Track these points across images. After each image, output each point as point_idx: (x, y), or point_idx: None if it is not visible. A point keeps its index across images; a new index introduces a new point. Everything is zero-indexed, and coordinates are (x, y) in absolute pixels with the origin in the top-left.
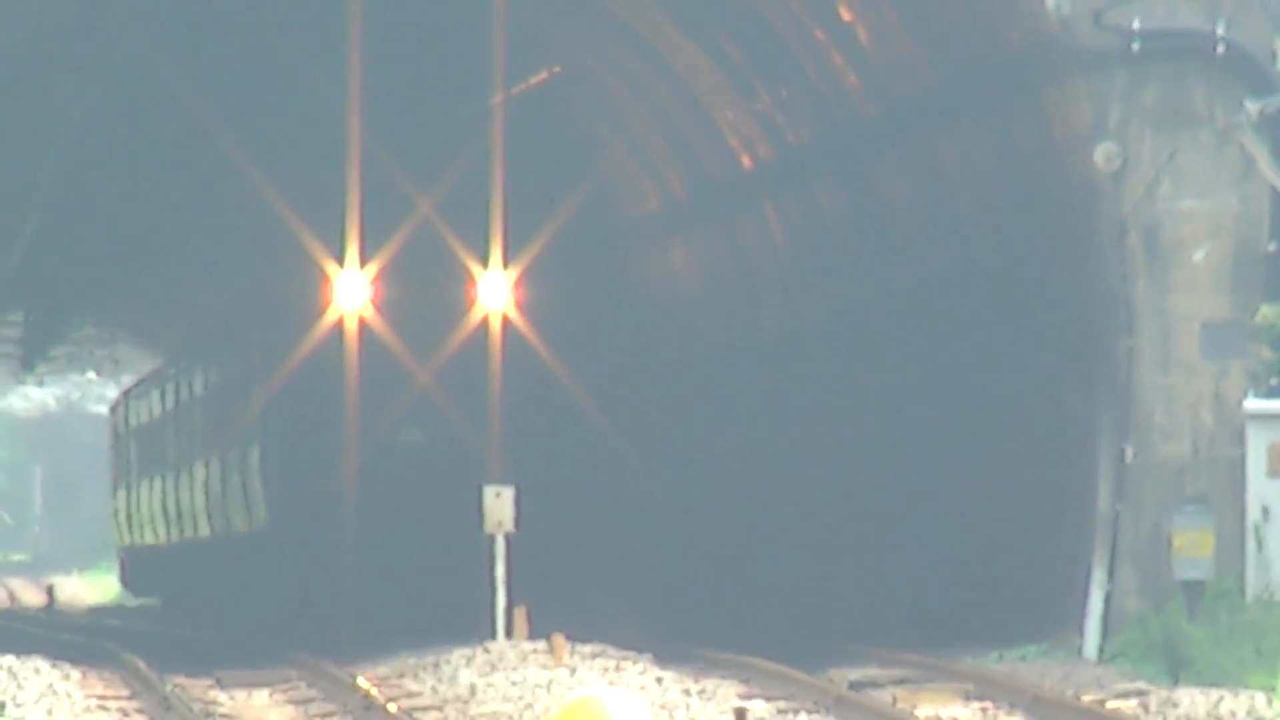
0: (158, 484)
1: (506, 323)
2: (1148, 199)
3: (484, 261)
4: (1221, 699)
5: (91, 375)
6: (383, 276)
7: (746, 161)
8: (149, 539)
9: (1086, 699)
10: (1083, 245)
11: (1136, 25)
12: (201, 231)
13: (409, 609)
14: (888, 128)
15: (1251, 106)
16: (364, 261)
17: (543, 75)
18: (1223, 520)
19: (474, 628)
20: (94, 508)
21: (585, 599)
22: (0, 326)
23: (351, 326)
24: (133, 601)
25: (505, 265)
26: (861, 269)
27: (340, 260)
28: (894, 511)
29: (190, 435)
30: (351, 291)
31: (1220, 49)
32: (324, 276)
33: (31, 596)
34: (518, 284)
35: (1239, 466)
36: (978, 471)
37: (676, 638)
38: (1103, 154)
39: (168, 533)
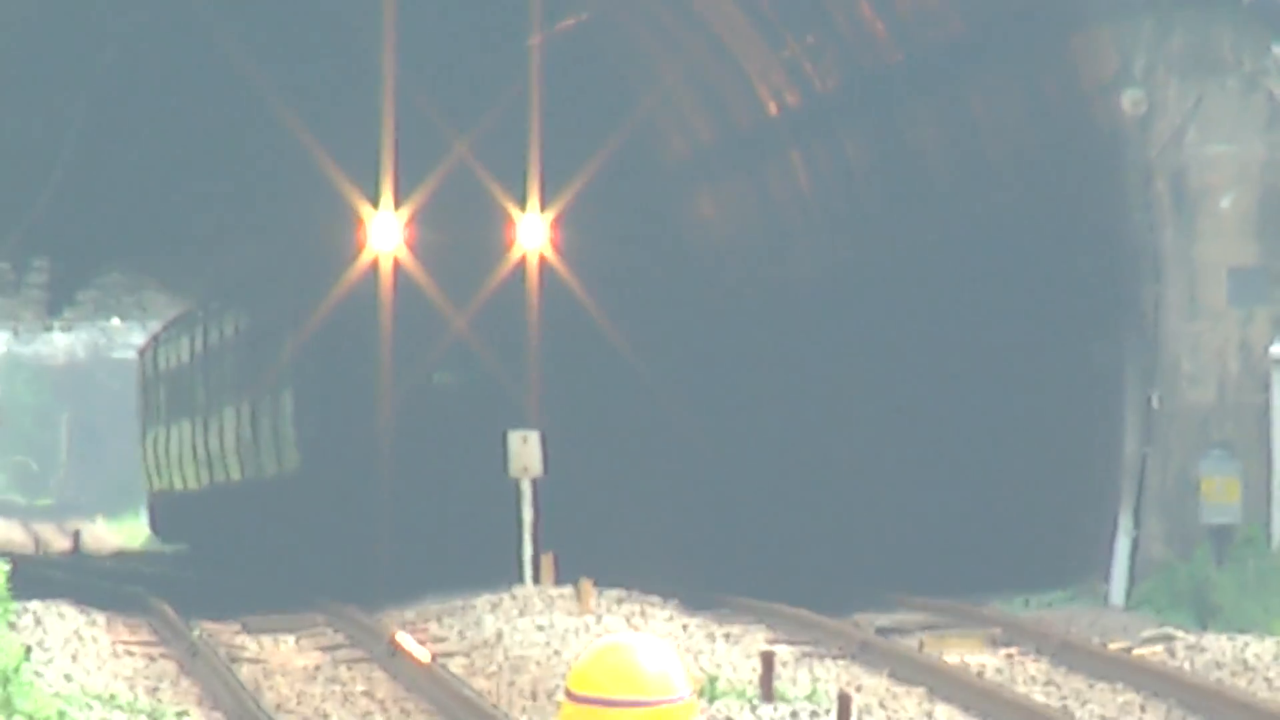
0: (188, 428)
1: (544, 263)
2: (1174, 145)
3: (521, 203)
4: (1247, 644)
5: (117, 321)
6: (417, 218)
7: (773, 108)
8: (178, 484)
9: (1113, 645)
10: (1109, 192)
11: None
12: (232, 173)
13: (444, 554)
14: (915, 75)
15: (1279, 51)
16: (398, 203)
17: (570, 21)
18: (1249, 466)
19: (508, 573)
20: (120, 454)
21: (613, 544)
22: (27, 272)
23: (386, 268)
24: (158, 547)
25: (543, 207)
26: (887, 217)
27: (374, 202)
28: (921, 458)
29: (222, 379)
30: (385, 233)
31: None
32: (358, 218)
33: (58, 541)
34: (555, 225)
35: (1265, 412)
36: (1005, 418)
37: (702, 584)
38: (1129, 100)
39: (198, 477)
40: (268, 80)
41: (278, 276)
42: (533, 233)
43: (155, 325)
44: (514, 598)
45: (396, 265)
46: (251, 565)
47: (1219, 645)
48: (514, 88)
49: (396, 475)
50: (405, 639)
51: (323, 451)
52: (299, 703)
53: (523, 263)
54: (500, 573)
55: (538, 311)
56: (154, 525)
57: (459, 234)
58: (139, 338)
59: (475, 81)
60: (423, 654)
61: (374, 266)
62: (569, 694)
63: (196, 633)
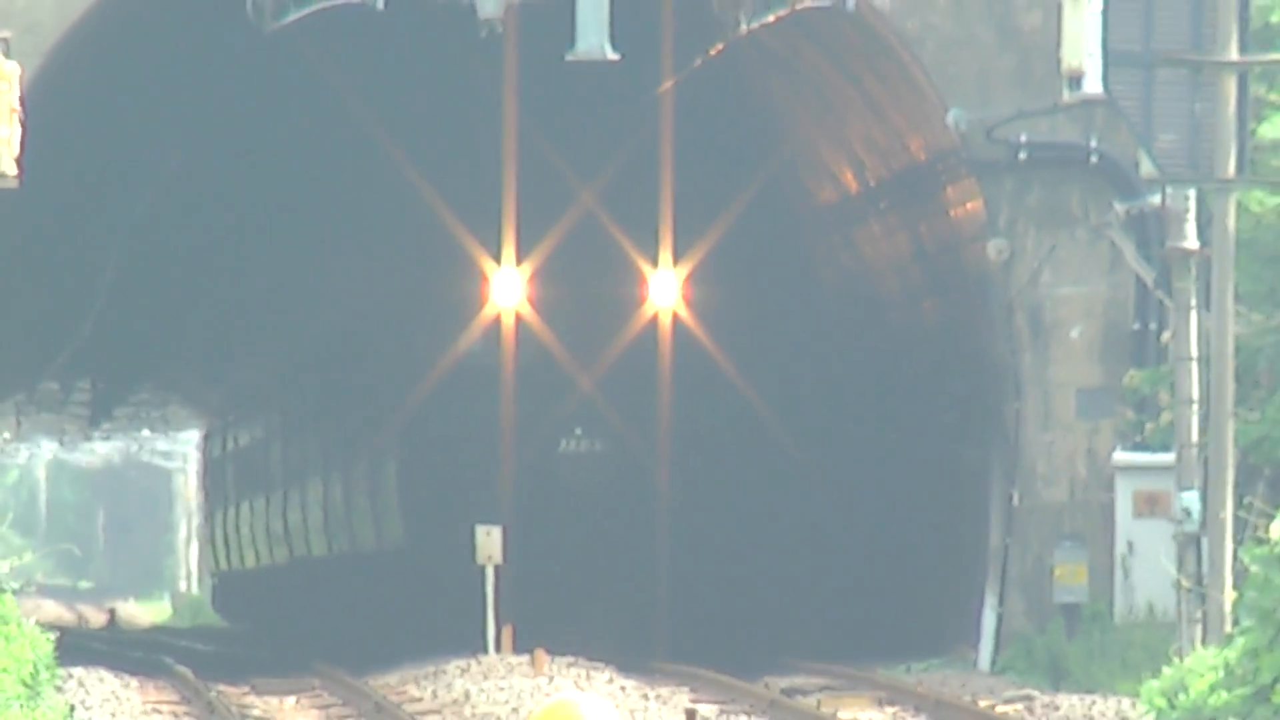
0: (262, 504)
1: (677, 322)
2: (1032, 285)
3: (652, 258)
4: (1094, 703)
5: (147, 432)
6: (541, 273)
7: None
8: (249, 561)
9: (982, 703)
10: (978, 324)
11: (1023, 139)
12: (323, 233)
13: (570, 629)
14: (818, 224)
15: (1119, 207)
16: (521, 257)
17: (699, 62)
18: (1095, 554)
19: (641, 649)
20: (148, 543)
21: (563, 612)
22: (72, 391)
23: (508, 325)
24: (184, 623)
25: (675, 261)
26: (801, 341)
27: (496, 256)
28: (819, 546)
29: (304, 450)
30: (507, 289)
31: (1094, 159)
32: (478, 273)
33: (96, 618)
34: (688, 281)
35: (1109, 509)
36: (890, 512)
37: (635, 650)
38: (994, 248)
39: (272, 553)
40: (384, 132)
41: (378, 341)
42: (664, 289)
43: (184, 435)
44: (480, 663)
45: (519, 322)
46: (333, 642)
47: (1070, 703)
48: (643, 133)
49: (520, 550)
50: None
51: (432, 524)
52: None
53: (654, 321)
54: (636, 649)
55: (669, 374)
56: (217, 604)
57: (585, 290)
58: (165, 445)
59: (602, 128)
60: None
61: (495, 323)
62: None
63: (213, 693)
